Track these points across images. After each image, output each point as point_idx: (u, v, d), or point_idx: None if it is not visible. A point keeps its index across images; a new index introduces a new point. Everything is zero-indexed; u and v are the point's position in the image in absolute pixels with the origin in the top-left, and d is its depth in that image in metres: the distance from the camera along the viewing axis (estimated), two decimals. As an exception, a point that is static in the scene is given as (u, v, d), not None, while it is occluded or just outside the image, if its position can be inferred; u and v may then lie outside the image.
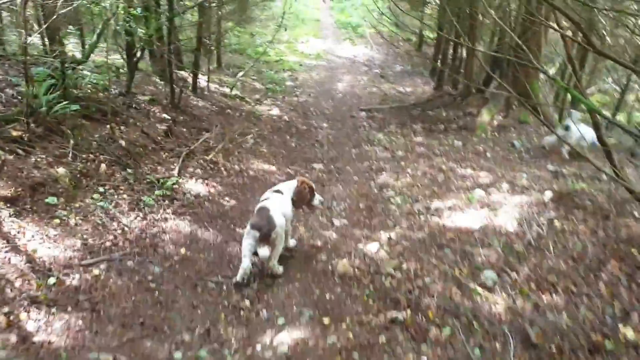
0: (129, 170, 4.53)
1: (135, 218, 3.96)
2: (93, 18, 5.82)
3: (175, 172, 4.95)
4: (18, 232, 3.22)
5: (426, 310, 3.11)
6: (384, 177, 5.89)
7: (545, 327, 2.85)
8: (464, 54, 10.31)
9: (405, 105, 9.79)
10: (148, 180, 4.54)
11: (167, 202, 4.38)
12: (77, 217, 3.62)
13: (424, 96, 10.57)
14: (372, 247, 4.00)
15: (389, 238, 4.16)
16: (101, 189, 4.08)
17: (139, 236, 3.75)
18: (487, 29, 9.84)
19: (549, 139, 6.63)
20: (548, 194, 4.67)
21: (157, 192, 4.40)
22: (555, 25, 4.20)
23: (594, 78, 10.68)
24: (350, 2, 22.86)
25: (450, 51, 11.47)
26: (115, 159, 4.53)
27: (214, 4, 8.85)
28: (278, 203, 3.52)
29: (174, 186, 4.64)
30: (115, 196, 4.10)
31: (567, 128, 6.15)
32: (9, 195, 3.45)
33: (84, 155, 4.31)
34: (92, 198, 3.91)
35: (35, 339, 2.56)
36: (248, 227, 3.38)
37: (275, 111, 8.90)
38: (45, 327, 2.66)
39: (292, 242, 3.93)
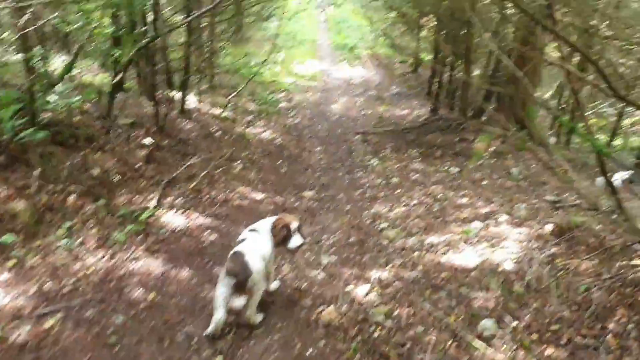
0: (101, 202, 4.20)
1: (102, 258, 3.61)
2: (70, 36, 5.56)
3: (153, 202, 4.63)
4: (-36, 278, 2.89)
5: (419, 368, 2.77)
6: (378, 206, 5.61)
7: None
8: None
9: (401, 129, 9.57)
10: (121, 213, 4.21)
11: (140, 237, 4.03)
12: (35, 258, 3.29)
13: (420, 119, 10.36)
14: (361, 290, 3.68)
15: (380, 279, 3.84)
16: (67, 224, 3.75)
17: (104, 279, 3.39)
18: (483, 52, 9.70)
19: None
20: (548, 228, 4.40)
21: (129, 226, 4.06)
22: (553, 55, 3.97)
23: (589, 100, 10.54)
24: (347, 23, 23.02)
25: (447, 74, 11.32)
26: (86, 189, 4.21)
27: (204, 24, 8.69)
28: (255, 245, 3.18)
29: (149, 219, 4.29)
30: (83, 232, 3.77)
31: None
32: (-41, 234, 3.13)
33: (50, 186, 3.98)
34: (55, 235, 3.59)
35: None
36: (222, 273, 3.05)
37: (267, 134, 8.64)
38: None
39: (274, 285, 3.59)
